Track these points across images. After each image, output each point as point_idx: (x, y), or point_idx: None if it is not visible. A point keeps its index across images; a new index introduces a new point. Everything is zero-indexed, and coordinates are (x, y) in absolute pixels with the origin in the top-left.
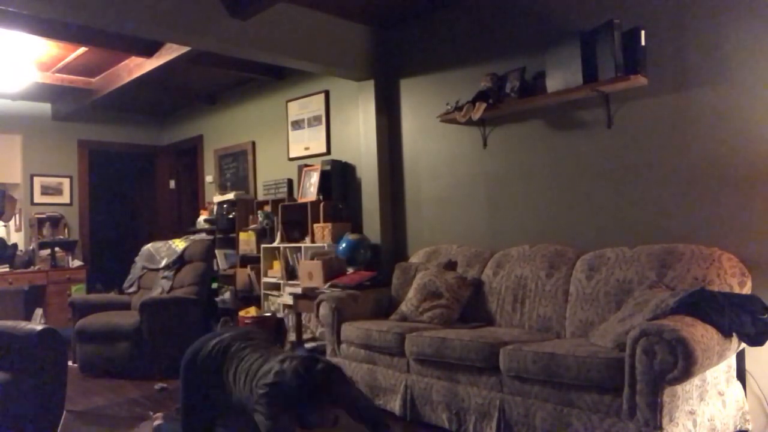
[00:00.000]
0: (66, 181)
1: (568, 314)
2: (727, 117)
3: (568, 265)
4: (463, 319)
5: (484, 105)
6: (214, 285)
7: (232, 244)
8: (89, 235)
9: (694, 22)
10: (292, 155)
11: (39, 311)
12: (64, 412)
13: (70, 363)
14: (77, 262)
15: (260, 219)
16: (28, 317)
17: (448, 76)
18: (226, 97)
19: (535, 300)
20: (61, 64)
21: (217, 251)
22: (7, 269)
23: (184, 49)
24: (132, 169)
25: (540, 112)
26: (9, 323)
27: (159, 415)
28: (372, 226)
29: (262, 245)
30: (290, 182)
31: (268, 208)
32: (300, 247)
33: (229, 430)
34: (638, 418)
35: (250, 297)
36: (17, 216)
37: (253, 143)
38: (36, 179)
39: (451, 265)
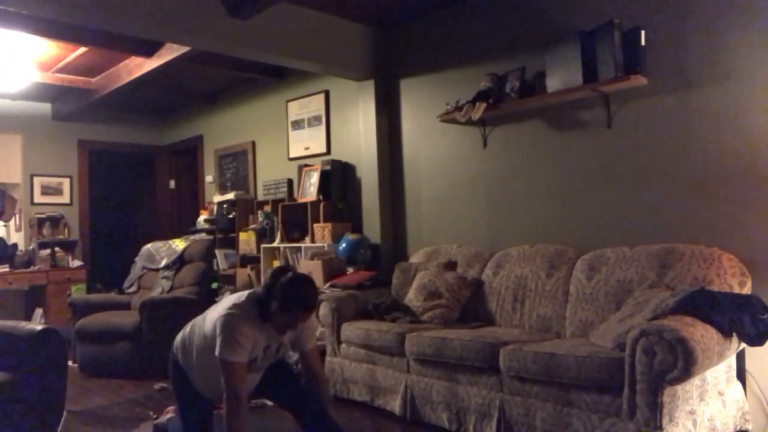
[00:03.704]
0: (66, 181)
1: (568, 314)
2: (727, 117)
3: (568, 265)
4: (463, 319)
5: (484, 105)
6: (214, 285)
7: (232, 244)
8: (89, 235)
9: (694, 22)
10: (292, 155)
11: (39, 311)
12: (64, 412)
13: (70, 363)
14: (77, 262)
15: (260, 219)
16: (28, 317)
17: (448, 76)
18: (226, 97)
19: (535, 300)
20: (61, 64)
21: (217, 251)
22: (7, 269)
23: (184, 49)
24: (132, 169)
25: (540, 112)
26: (9, 323)
27: (171, 408)
28: (372, 226)
29: (262, 245)
30: (290, 182)
31: (268, 208)
32: (300, 247)
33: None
34: (638, 418)
35: None
36: (17, 216)
37: (253, 143)
38: (36, 179)
39: (451, 265)
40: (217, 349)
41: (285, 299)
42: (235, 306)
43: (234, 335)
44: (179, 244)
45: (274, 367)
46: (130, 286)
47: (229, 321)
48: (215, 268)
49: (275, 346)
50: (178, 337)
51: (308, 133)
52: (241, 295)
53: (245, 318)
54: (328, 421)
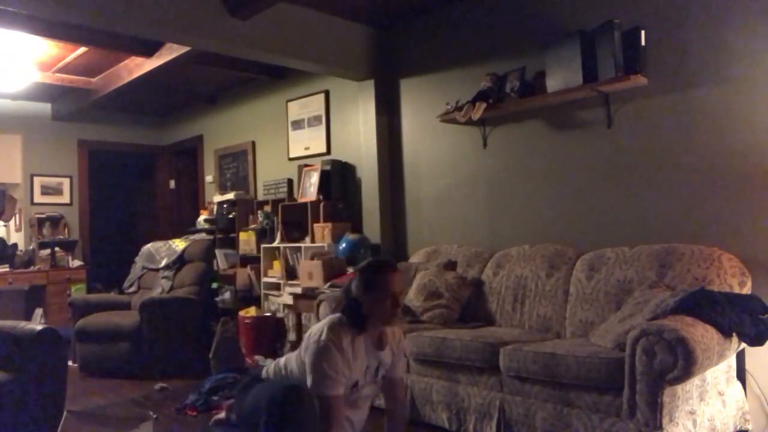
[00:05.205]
0: (66, 181)
1: (568, 314)
2: (727, 117)
3: (568, 265)
4: (463, 319)
5: (484, 105)
6: (214, 285)
7: (232, 244)
8: (89, 235)
9: (694, 22)
10: (292, 155)
11: (39, 311)
12: (64, 412)
13: (70, 363)
14: (77, 262)
15: (260, 219)
16: (28, 317)
17: (448, 76)
18: (226, 97)
19: (535, 300)
20: (61, 64)
21: (217, 251)
22: (7, 269)
23: (184, 49)
24: (132, 169)
25: (540, 112)
26: (9, 323)
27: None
28: (372, 226)
29: (262, 245)
30: (290, 182)
31: (268, 208)
32: (300, 247)
33: None
34: (638, 418)
35: (250, 297)
36: (17, 216)
37: (253, 143)
38: (36, 179)
39: (451, 265)
40: (310, 386)
41: (367, 281)
42: (324, 332)
43: (323, 367)
44: (179, 244)
45: None
46: (130, 286)
47: (318, 352)
48: (215, 268)
49: (375, 365)
50: (271, 366)
51: (308, 133)
52: (330, 318)
53: (336, 337)
54: None
